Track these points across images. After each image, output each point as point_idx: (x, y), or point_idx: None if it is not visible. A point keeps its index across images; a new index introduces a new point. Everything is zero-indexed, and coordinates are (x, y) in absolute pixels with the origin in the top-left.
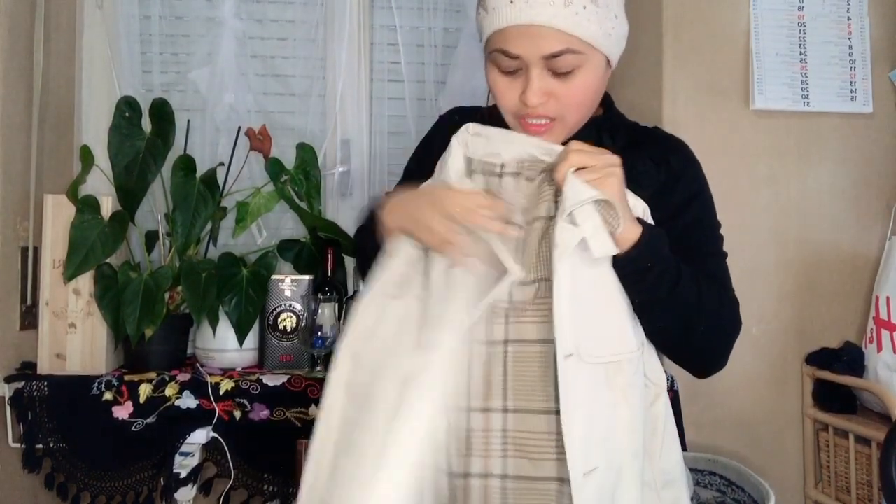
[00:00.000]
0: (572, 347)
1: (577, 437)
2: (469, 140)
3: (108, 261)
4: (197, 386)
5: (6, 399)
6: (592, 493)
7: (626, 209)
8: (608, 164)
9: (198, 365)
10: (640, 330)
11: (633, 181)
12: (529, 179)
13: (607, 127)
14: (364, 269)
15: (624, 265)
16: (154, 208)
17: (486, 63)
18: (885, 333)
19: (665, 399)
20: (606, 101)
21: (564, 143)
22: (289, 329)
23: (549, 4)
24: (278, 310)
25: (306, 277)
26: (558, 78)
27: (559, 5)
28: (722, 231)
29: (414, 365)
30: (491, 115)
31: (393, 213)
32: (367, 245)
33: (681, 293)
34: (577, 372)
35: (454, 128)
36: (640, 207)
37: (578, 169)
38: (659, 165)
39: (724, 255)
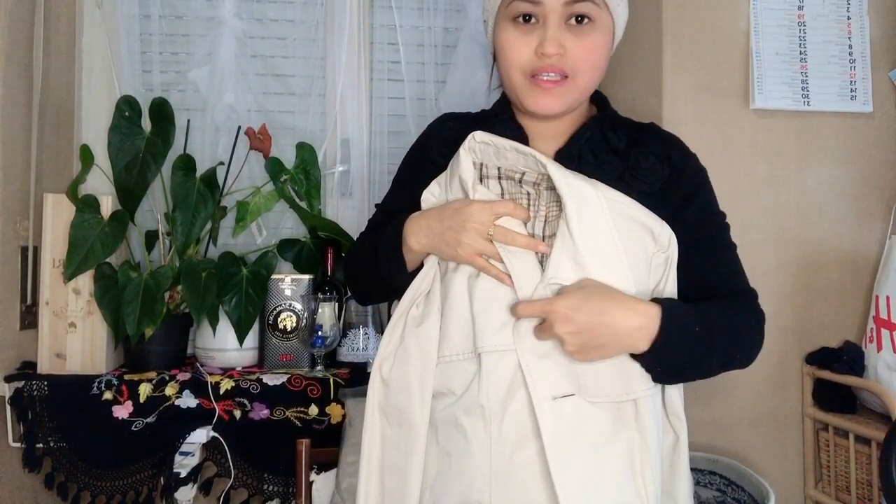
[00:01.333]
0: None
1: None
2: (477, 147)
3: (108, 260)
4: (197, 385)
5: (6, 398)
6: None
7: (610, 344)
8: (553, 326)
9: (198, 364)
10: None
11: (639, 178)
12: (549, 189)
13: (609, 124)
14: (367, 295)
15: (652, 367)
16: (154, 208)
17: (498, 23)
18: (885, 333)
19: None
20: (602, 101)
21: (563, 148)
22: (289, 328)
23: None
24: (278, 309)
25: (306, 277)
26: (574, 31)
27: None
28: (727, 220)
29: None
30: (485, 119)
31: (418, 235)
32: (391, 276)
33: (717, 348)
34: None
35: (446, 133)
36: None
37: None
38: (662, 161)
39: (734, 246)
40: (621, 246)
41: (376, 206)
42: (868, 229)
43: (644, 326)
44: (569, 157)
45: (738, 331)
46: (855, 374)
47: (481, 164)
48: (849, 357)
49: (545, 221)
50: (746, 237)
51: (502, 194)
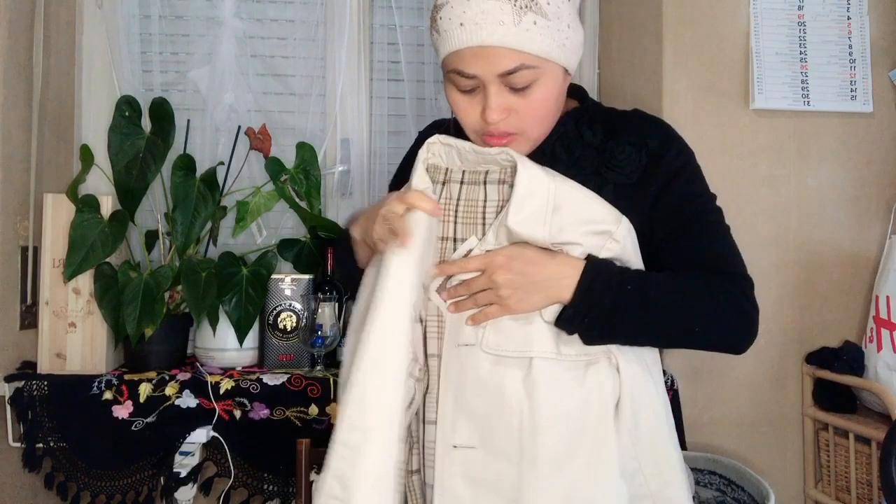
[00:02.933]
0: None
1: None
2: (442, 151)
3: (108, 260)
4: (197, 385)
5: (6, 398)
6: None
7: (545, 287)
8: (492, 270)
9: (198, 364)
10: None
11: (615, 170)
12: (512, 186)
13: (585, 119)
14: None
15: (568, 324)
16: (154, 208)
17: (445, 82)
18: (885, 333)
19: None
20: (580, 94)
21: (540, 145)
22: (289, 328)
23: (499, 24)
24: (278, 309)
25: (306, 277)
26: (516, 93)
27: (509, 24)
28: (719, 204)
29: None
30: (458, 126)
31: (355, 226)
32: (343, 262)
33: (656, 319)
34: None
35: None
36: (621, 231)
37: (452, 287)
38: (639, 149)
39: (724, 227)
40: (549, 242)
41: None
42: (868, 229)
43: (570, 276)
44: (541, 155)
45: (695, 301)
46: (855, 374)
47: (446, 169)
48: (849, 357)
49: None
50: (746, 237)
51: (459, 200)
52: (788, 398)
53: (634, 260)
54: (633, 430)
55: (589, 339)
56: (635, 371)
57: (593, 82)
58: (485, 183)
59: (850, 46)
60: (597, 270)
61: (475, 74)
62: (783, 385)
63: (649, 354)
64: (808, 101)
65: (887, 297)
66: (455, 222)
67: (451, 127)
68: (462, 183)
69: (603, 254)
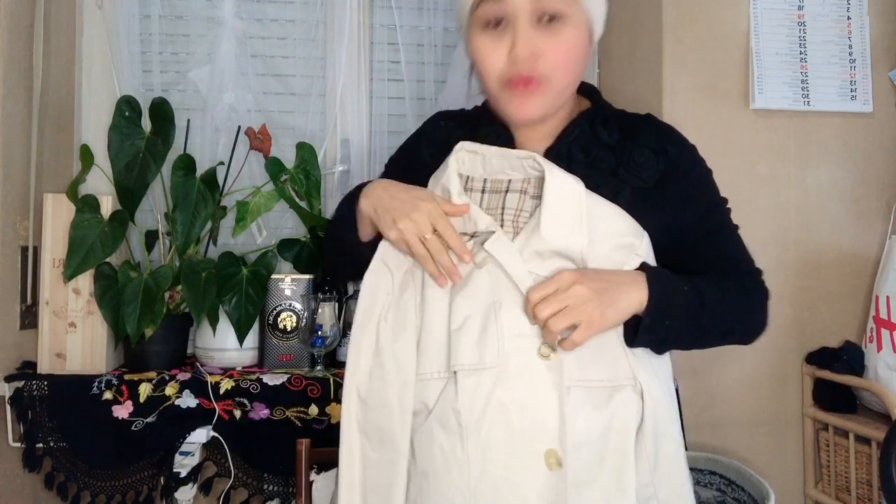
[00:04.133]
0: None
1: None
2: (465, 158)
3: (108, 260)
4: (197, 385)
5: (6, 398)
6: None
7: (617, 299)
8: (567, 286)
9: (198, 364)
10: None
11: (633, 172)
12: (534, 197)
13: (599, 119)
14: (334, 264)
15: (648, 332)
16: (154, 208)
17: (470, 30)
18: (885, 333)
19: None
20: (594, 94)
21: (552, 147)
22: (289, 328)
23: None
24: (278, 309)
25: (306, 277)
26: (546, 31)
27: None
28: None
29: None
30: (478, 117)
31: (368, 197)
32: (341, 235)
33: (710, 319)
34: None
35: (437, 134)
36: (644, 247)
37: (541, 302)
38: (657, 155)
39: (735, 228)
40: (587, 248)
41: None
42: (868, 229)
43: (637, 281)
44: (557, 156)
45: (733, 299)
46: (855, 374)
47: (467, 177)
48: (849, 357)
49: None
50: (746, 237)
51: (480, 207)
52: (788, 398)
53: None
54: (652, 457)
55: (662, 346)
56: (658, 396)
57: (593, 82)
58: (506, 192)
59: (850, 46)
60: (656, 275)
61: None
62: (783, 385)
63: (668, 374)
64: (808, 101)
65: (887, 297)
66: (474, 233)
67: (470, 117)
68: (483, 192)
69: (626, 269)
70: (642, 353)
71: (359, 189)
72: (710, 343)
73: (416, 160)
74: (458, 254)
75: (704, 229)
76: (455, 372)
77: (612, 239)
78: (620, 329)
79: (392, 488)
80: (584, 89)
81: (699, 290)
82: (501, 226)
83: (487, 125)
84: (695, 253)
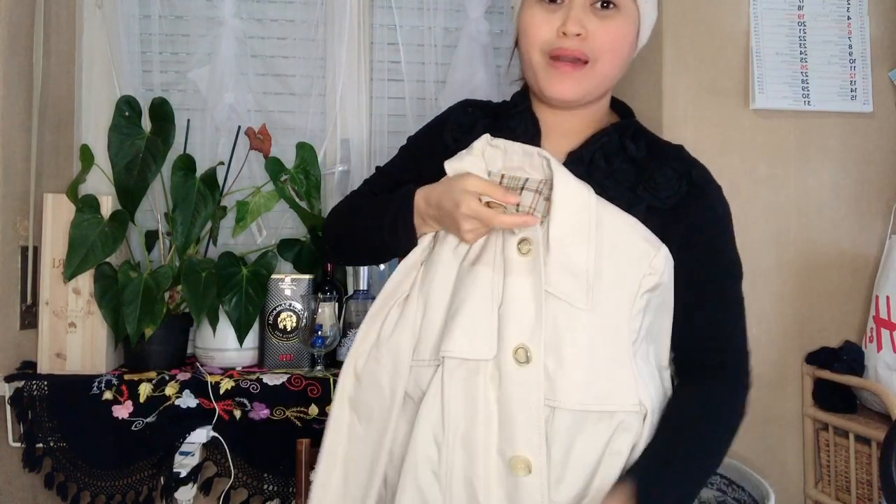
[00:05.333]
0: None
1: None
2: (486, 150)
3: (107, 260)
4: (197, 385)
5: (6, 398)
6: None
7: None
8: None
9: (198, 364)
10: None
11: (652, 191)
12: (547, 199)
13: (630, 133)
14: (346, 257)
15: None
16: (154, 208)
17: (524, 3)
18: (885, 333)
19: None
20: (628, 113)
21: (577, 149)
22: (289, 328)
23: None
24: (278, 309)
25: (306, 277)
26: (599, 15)
27: None
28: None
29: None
30: (505, 110)
31: (426, 223)
32: (396, 245)
33: (704, 476)
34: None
35: (462, 119)
36: (661, 260)
37: None
38: (681, 177)
39: (740, 300)
40: (592, 264)
41: (377, 168)
42: (868, 229)
43: None
44: (580, 160)
45: (718, 446)
46: (855, 374)
47: (488, 172)
48: (849, 357)
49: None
50: (746, 237)
51: None
52: (788, 398)
53: (669, 293)
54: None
55: None
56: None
57: None
58: (522, 189)
59: (850, 46)
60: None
61: None
62: (783, 385)
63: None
64: (809, 101)
65: (887, 297)
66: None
67: (496, 110)
68: (501, 183)
69: (644, 285)
70: (647, 373)
71: (408, 202)
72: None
73: (438, 141)
74: (516, 225)
75: (705, 273)
76: (443, 358)
77: (625, 253)
78: (627, 346)
79: (374, 465)
80: (620, 108)
81: (690, 471)
82: None
83: (518, 115)
84: (685, 304)
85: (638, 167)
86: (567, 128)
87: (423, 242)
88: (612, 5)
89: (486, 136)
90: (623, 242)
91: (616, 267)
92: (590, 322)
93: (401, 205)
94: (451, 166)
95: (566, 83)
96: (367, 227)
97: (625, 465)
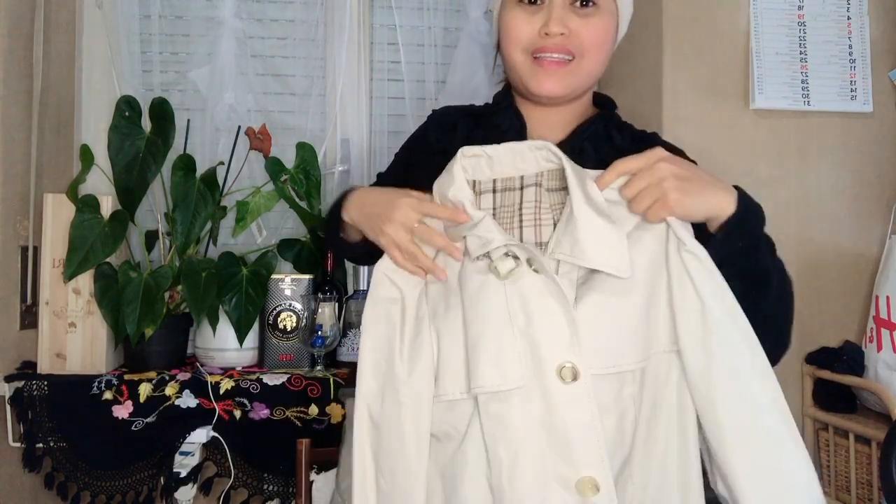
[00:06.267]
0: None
1: None
2: (468, 164)
3: (107, 260)
4: (197, 385)
5: (6, 398)
6: None
7: (702, 192)
8: (653, 162)
9: (198, 364)
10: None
11: None
12: (549, 190)
13: (614, 123)
14: (337, 254)
15: (721, 246)
16: (154, 208)
17: (504, 6)
18: (885, 333)
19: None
20: (610, 105)
21: (565, 140)
22: (289, 328)
23: None
24: (278, 309)
25: (306, 277)
26: (579, 13)
27: None
28: None
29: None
30: (487, 111)
31: (350, 211)
32: (330, 236)
33: (776, 278)
34: None
35: (444, 119)
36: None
37: (626, 183)
38: None
39: None
40: (625, 243)
41: (378, 174)
42: (868, 229)
43: (729, 189)
44: (570, 150)
45: (788, 287)
46: (855, 374)
47: (474, 182)
48: (849, 357)
49: (553, 227)
50: None
51: (495, 209)
52: (788, 398)
53: None
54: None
55: (736, 260)
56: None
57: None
58: (521, 188)
59: (850, 46)
60: (747, 198)
61: None
62: (783, 385)
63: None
64: (808, 101)
65: (887, 297)
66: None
67: (478, 113)
68: (495, 192)
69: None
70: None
71: (343, 196)
72: (760, 306)
73: (422, 145)
74: (445, 249)
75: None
76: (475, 395)
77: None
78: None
79: None
80: (599, 100)
81: (772, 246)
82: (521, 220)
83: (502, 113)
84: None
85: (624, 155)
86: (552, 122)
87: (385, 266)
88: (591, 3)
89: (463, 150)
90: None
91: (641, 244)
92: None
93: (335, 203)
94: (439, 188)
95: (552, 80)
96: (330, 237)
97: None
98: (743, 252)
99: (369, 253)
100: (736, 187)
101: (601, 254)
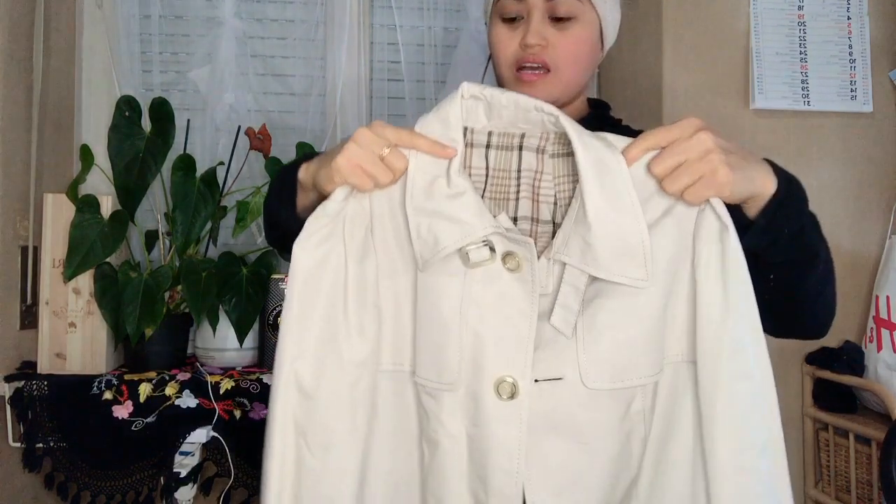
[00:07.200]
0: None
1: None
2: (468, 105)
3: (107, 260)
4: (197, 385)
5: (6, 398)
6: None
7: (747, 167)
8: (690, 132)
9: (198, 364)
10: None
11: None
12: (554, 156)
13: (608, 123)
14: (271, 237)
15: (763, 234)
16: (154, 208)
17: (491, 20)
18: (885, 332)
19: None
20: (602, 105)
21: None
22: None
23: None
24: (278, 309)
25: None
26: (556, 26)
27: None
28: None
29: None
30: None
31: (307, 164)
32: (276, 212)
33: (822, 248)
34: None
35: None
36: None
37: (656, 157)
38: None
39: None
40: (647, 236)
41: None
42: (868, 229)
43: (766, 165)
44: None
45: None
46: (855, 374)
47: (465, 129)
48: (849, 357)
49: (554, 205)
50: None
51: (487, 170)
52: (788, 398)
53: None
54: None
55: (770, 249)
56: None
57: (593, 82)
58: (520, 148)
59: (850, 46)
60: (787, 177)
61: None
62: (783, 385)
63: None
64: (808, 101)
65: (887, 297)
66: (483, 195)
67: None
68: (489, 147)
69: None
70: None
71: (298, 161)
72: (807, 288)
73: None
74: (432, 152)
75: None
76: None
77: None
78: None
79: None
80: (594, 104)
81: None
82: (518, 190)
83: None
84: None
85: None
86: None
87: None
88: (569, 17)
89: (465, 86)
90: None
91: (663, 235)
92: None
93: (288, 167)
94: (425, 122)
95: (531, 91)
96: (271, 205)
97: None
98: (790, 238)
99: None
100: (767, 160)
101: (618, 262)
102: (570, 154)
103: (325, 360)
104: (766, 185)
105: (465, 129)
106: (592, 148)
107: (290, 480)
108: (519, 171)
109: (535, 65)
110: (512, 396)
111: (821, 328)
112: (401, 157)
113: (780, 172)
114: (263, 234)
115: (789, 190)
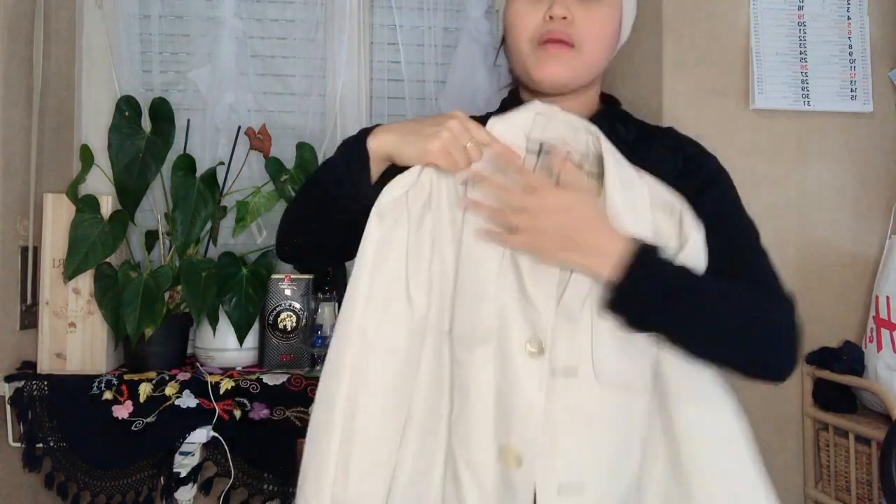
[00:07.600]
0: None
1: None
2: (533, 119)
3: (107, 260)
4: (197, 385)
5: (6, 398)
6: None
7: (582, 244)
8: (548, 207)
9: (198, 364)
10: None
11: (649, 170)
12: (590, 174)
13: (620, 118)
14: (299, 236)
15: (618, 305)
16: (154, 208)
17: (510, 1)
18: (885, 333)
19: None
20: (613, 100)
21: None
22: (289, 328)
23: None
24: (278, 309)
25: (306, 277)
26: (583, 4)
27: None
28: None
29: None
30: (489, 117)
31: (381, 135)
32: (335, 186)
33: (700, 302)
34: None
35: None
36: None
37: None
38: (675, 153)
39: (764, 253)
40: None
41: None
42: (868, 229)
43: (619, 236)
44: None
45: (741, 303)
46: (855, 374)
47: (527, 138)
48: (849, 357)
49: None
50: None
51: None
52: (788, 398)
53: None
54: None
55: (640, 322)
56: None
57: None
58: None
59: (850, 46)
60: (644, 250)
61: None
62: (783, 385)
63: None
64: (808, 101)
65: (887, 297)
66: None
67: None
68: (539, 154)
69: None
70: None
71: (353, 139)
72: (702, 347)
73: None
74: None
75: (729, 226)
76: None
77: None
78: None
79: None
80: (606, 99)
81: (693, 277)
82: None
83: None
84: (714, 249)
85: (630, 149)
86: None
87: (408, 177)
88: None
89: (536, 103)
90: (660, 200)
91: (653, 223)
92: None
93: (348, 145)
94: (493, 123)
95: (555, 64)
96: (312, 202)
97: None
98: (656, 308)
99: (348, 226)
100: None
101: None
102: (601, 175)
103: (385, 318)
104: (607, 256)
105: (528, 138)
106: (625, 170)
107: (342, 417)
108: (559, 180)
109: (559, 38)
110: (540, 352)
111: (773, 366)
112: (479, 151)
113: (635, 254)
114: (280, 230)
115: (645, 254)
